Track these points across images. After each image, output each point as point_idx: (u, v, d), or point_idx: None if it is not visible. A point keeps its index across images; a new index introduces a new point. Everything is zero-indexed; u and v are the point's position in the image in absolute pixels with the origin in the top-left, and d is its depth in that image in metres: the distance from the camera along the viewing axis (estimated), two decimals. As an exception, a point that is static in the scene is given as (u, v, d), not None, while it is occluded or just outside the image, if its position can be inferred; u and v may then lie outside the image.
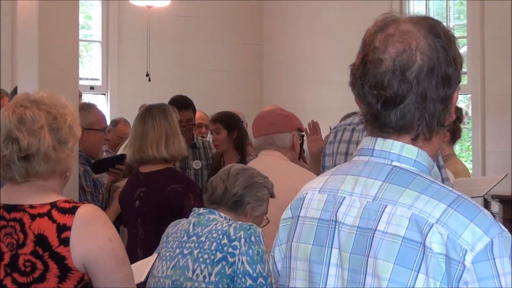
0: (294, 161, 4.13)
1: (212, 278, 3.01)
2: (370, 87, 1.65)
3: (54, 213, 2.35)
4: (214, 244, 3.06)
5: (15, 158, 2.39)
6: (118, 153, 5.62)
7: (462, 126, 7.67)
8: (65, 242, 2.33)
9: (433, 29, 1.66)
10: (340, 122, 4.11)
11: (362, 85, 1.66)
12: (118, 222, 4.52)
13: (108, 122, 7.13)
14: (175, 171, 4.44)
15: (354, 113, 4.04)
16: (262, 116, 4.21)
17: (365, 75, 1.66)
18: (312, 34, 9.39)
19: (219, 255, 3.04)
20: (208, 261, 3.05)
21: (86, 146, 4.52)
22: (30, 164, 2.40)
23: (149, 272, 3.15)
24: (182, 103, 5.62)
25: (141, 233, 4.13)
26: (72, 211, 2.36)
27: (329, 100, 8.98)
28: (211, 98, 9.16)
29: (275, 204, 3.47)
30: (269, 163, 3.88)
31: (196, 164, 5.89)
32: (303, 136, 4.24)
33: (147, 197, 4.14)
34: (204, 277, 3.03)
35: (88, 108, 4.62)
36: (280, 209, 3.52)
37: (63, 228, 2.33)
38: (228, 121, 5.74)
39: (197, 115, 7.18)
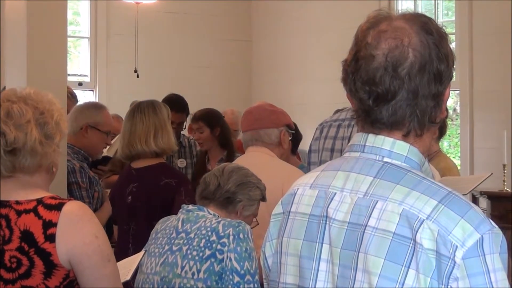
0: (283, 157, 4.12)
1: (201, 275, 3.01)
2: (362, 83, 1.65)
3: (40, 210, 2.35)
4: (203, 241, 3.06)
5: (2, 152, 2.39)
6: (104, 151, 5.61)
7: (450, 122, 7.68)
8: (50, 238, 2.32)
9: (425, 25, 1.66)
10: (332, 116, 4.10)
11: (354, 81, 1.67)
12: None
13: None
14: (168, 165, 4.43)
15: (343, 110, 4.04)
16: (249, 111, 4.20)
17: (357, 71, 1.66)
18: (300, 30, 9.39)
19: (207, 252, 3.03)
20: (197, 258, 3.04)
21: (86, 144, 4.50)
22: (17, 158, 2.40)
23: (136, 270, 3.14)
24: (177, 105, 5.59)
25: (133, 228, 4.12)
26: (58, 207, 2.35)
27: (318, 97, 8.98)
28: (198, 94, 9.13)
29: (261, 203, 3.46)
30: (255, 160, 3.87)
31: (181, 163, 5.87)
32: (293, 133, 4.22)
33: (140, 192, 4.13)
34: (193, 274, 3.03)
35: (99, 108, 4.62)
36: (266, 206, 3.54)
37: (49, 225, 2.33)
38: (210, 119, 5.72)
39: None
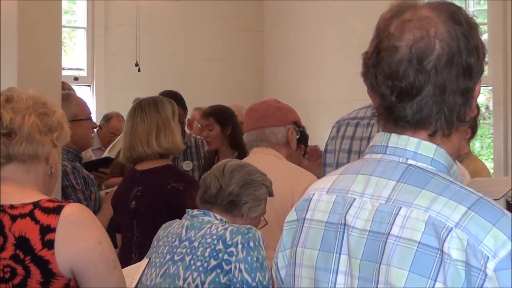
0: (291, 157, 4.10)
1: (206, 287, 3.01)
2: (384, 77, 1.65)
3: (37, 213, 2.36)
4: (208, 250, 3.06)
5: None
6: (106, 152, 5.62)
7: (482, 121, 7.64)
8: (49, 245, 2.33)
9: (453, 15, 1.66)
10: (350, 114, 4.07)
11: (375, 75, 1.67)
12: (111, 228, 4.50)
13: (94, 117, 7.11)
14: (175, 168, 4.42)
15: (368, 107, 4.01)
16: (253, 108, 4.18)
17: (378, 64, 1.66)
18: (317, 20, 9.37)
19: (213, 262, 3.03)
20: (201, 268, 3.04)
21: (74, 139, 4.49)
22: (11, 142, 2.42)
23: (140, 279, 3.15)
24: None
25: (136, 236, 4.11)
26: (56, 211, 2.36)
27: (336, 93, 8.97)
28: (206, 90, 9.15)
29: (269, 208, 3.45)
30: (261, 162, 3.80)
31: (187, 165, 5.85)
32: (301, 131, 4.21)
33: (144, 196, 4.13)
34: (197, 286, 3.03)
35: (68, 99, 4.60)
36: (275, 214, 3.52)
37: (47, 230, 2.34)
38: (221, 116, 5.72)
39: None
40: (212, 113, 5.75)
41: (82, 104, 4.69)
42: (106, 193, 4.71)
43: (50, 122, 2.49)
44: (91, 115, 4.75)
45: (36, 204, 2.38)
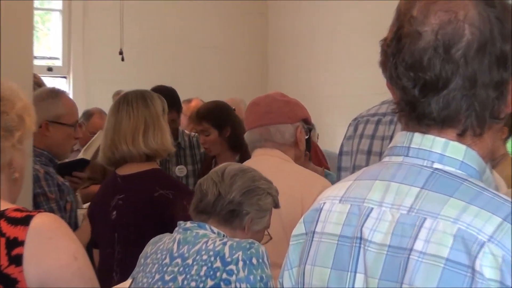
0: (298, 160, 4.09)
1: (201, 311, 3.01)
2: (406, 68, 1.66)
3: (3, 225, 2.36)
4: (204, 268, 3.05)
5: None
6: (81, 153, 5.60)
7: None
8: (16, 260, 2.33)
9: (485, -5, 1.67)
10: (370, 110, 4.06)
11: (396, 65, 1.67)
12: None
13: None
14: (163, 172, 4.41)
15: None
16: (255, 103, 4.16)
17: (399, 52, 1.67)
18: (328, 1, 9.37)
19: (210, 283, 3.02)
20: (195, 290, 3.04)
21: (50, 143, 4.52)
22: None
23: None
24: (166, 100, 5.59)
25: (118, 252, 4.11)
26: (25, 221, 2.36)
27: (350, 86, 8.97)
28: (201, 83, 9.17)
29: (275, 219, 3.44)
30: (265, 165, 3.75)
31: (180, 171, 5.83)
32: (310, 130, 4.19)
33: (127, 206, 4.12)
34: (191, 310, 3.03)
35: (56, 96, 4.62)
36: (282, 226, 3.51)
37: (13, 243, 2.34)
38: (216, 117, 5.64)
39: (193, 103, 7.11)
40: (205, 117, 5.66)
41: (71, 107, 4.69)
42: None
43: (9, 122, 2.46)
44: (78, 122, 4.74)
45: (1, 214, 2.38)
